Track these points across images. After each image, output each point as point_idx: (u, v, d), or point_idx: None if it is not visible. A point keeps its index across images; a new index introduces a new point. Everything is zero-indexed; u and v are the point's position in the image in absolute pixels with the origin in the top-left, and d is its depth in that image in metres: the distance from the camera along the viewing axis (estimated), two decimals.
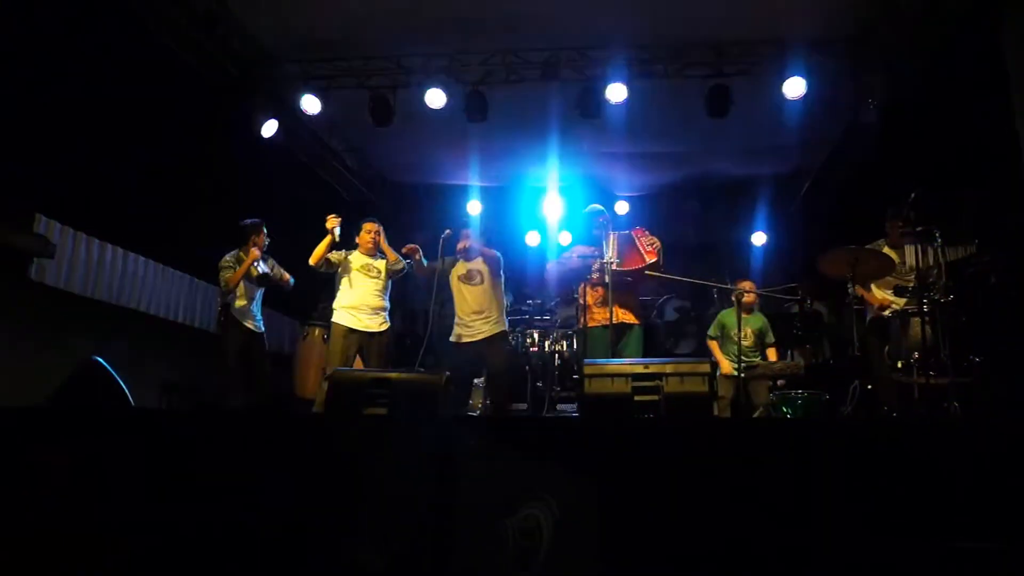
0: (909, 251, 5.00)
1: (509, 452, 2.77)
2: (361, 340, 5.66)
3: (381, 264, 5.84)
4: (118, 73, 5.58)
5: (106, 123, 5.62)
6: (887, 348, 4.96)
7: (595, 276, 5.30)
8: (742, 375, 5.87)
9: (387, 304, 5.85)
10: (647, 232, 5.38)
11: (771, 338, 6.36)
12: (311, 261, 5.67)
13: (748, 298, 6.23)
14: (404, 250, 5.74)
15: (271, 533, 2.80)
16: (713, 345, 6.49)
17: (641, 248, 5.25)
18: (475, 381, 6.28)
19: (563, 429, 3.17)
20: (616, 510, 2.64)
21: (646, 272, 5.34)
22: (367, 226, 5.88)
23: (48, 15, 5.08)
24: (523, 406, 7.15)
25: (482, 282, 5.75)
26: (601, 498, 2.64)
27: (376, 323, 5.75)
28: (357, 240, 5.85)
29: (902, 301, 5.04)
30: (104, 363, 3.74)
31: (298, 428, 3.21)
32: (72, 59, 5.26)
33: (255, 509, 2.84)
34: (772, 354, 6.34)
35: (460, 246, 5.75)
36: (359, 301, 5.70)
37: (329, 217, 5.69)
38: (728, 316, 6.37)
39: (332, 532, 2.77)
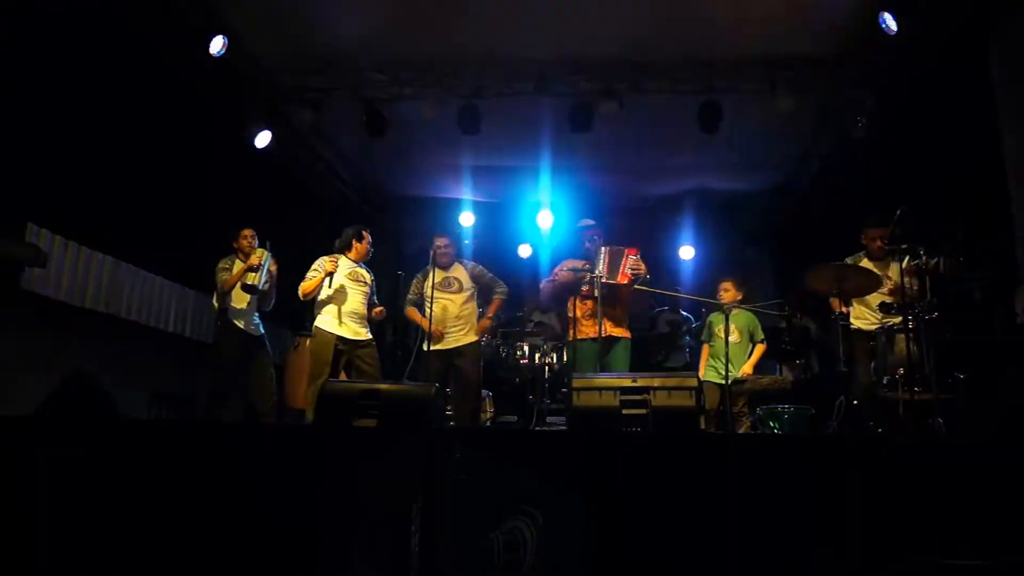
0: (894, 268, 5.04)
1: (496, 464, 2.79)
2: (350, 350, 5.54)
3: (366, 272, 5.80)
4: (111, 82, 5.59)
5: (98, 132, 5.63)
6: (872, 364, 5.01)
7: (585, 289, 5.34)
8: (730, 388, 5.84)
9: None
10: (638, 256, 5.37)
11: (760, 335, 6.19)
12: (303, 296, 5.56)
13: (724, 296, 6.10)
14: (372, 314, 5.73)
15: (259, 547, 2.80)
16: (704, 349, 6.39)
17: (622, 267, 5.29)
18: None
19: (550, 442, 3.19)
20: (601, 523, 2.66)
21: (635, 286, 5.37)
22: (366, 234, 5.82)
23: (38, 24, 5.10)
24: (513, 418, 7.17)
25: (459, 290, 5.77)
26: (586, 511, 2.66)
27: (365, 331, 5.66)
28: (354, 244, 5.76)
29: (878, 319, 5.10)
30: (93, 373, 3.74)
31: (287, 439, 3.22)
32: (62, 67, 5.27)
33: (243, 522, 2.85)
34: (758, 351, 6.12)
35: (441, 251, 5.73)
36: (348, 308, 5.58)
37: (329, 261, 5.58)
38: (714, 316, 6.32)
39: (322, 545, 2.78)
